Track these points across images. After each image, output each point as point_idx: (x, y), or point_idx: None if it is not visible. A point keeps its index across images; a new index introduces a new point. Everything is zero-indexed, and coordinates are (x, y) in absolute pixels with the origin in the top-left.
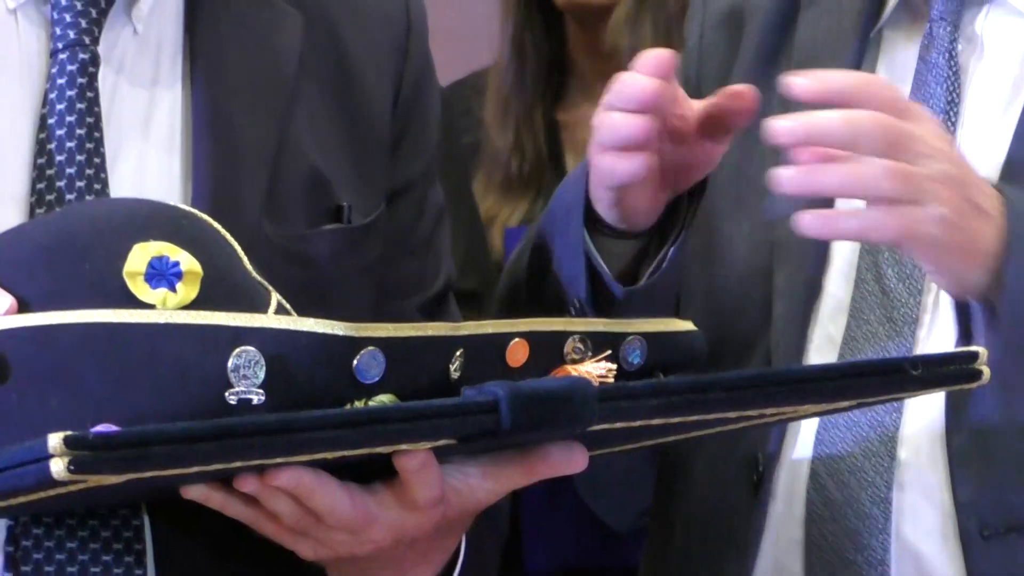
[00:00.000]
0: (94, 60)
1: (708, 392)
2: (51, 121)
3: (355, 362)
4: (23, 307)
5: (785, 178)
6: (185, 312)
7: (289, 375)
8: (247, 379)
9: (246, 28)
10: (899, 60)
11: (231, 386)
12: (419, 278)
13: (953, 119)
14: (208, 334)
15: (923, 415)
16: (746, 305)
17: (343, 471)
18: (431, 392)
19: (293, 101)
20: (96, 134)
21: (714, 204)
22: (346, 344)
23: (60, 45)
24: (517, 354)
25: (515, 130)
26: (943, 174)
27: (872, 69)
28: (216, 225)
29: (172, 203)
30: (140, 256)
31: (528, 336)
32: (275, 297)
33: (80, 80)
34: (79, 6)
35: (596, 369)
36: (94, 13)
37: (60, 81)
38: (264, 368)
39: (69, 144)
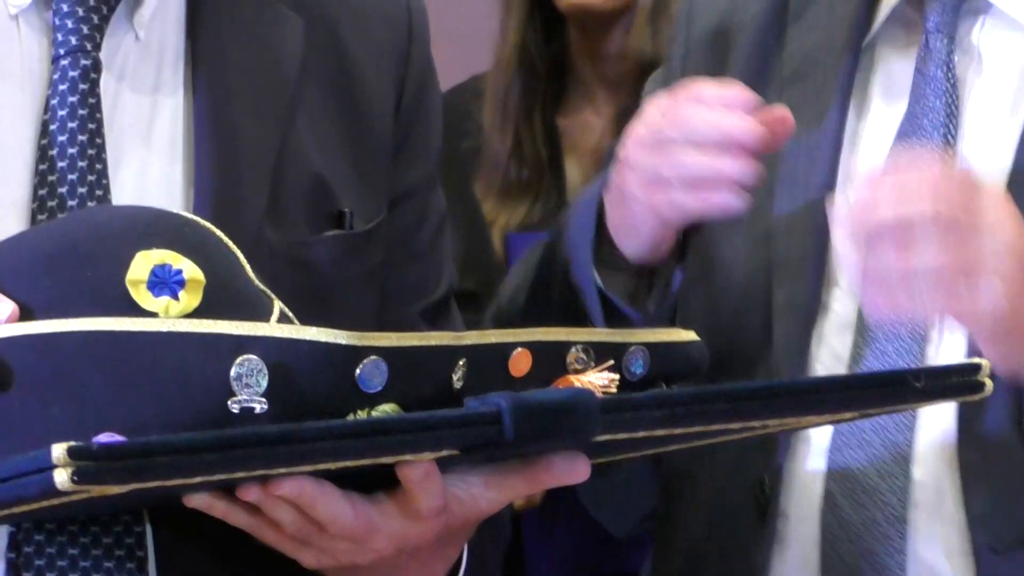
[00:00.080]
0: (96, 66)
1: (712, 403)
2: (53, 127)
3: (358, 371)
4: (26, 314)
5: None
6: (188, 320)
7: (292, 384)
8: (249, 388)
9: (248, 33)
10: (894, 73)
11: (233, 394)
12: (421, 284)
13: (953, 132)
14: (211, 342)
15: (935, 431)
16: (746, 326)
17: (345, 480)
18: (433, 401)
19: (295, 106)
20: (98, 140)
21: (709, 224)
22: (349, 353)
23: (62, 51)
24: (520, 364)
25: (514, 135)
26: (1006, 247)
27: (866, 82)
28: (219, 233)
29: (174, 210)
30: (143, 264)
31: (531, 346)
32: (277, 305)
33: (82, 86)
34: (81, 12)
35: (598, 379)
36: (96, 19)
37: (62, 87)
38: (267, 376)
39: (71, 150)
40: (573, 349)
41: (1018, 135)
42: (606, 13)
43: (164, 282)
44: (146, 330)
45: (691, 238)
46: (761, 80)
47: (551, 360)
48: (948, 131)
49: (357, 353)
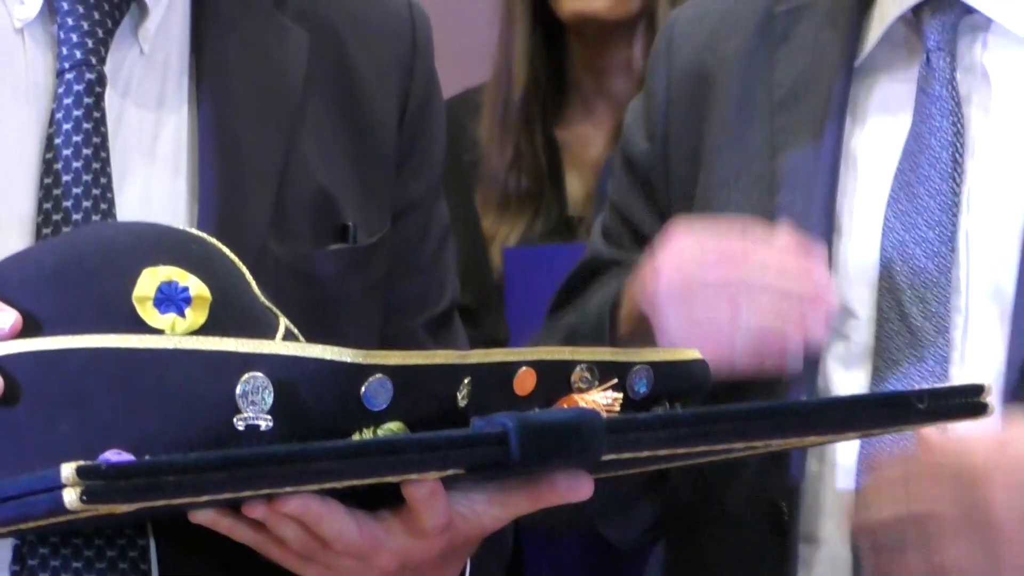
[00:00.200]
0: (100, 80)
1: (716, 424)
2: (58, 141)
3: (363, 389)
4: (35, 325)
5: None
6: (194, 338)
7: (297, 401)
8: (255, 405)
9: (252, 47)
10: (894, 93)
11: (239, 411)
12: (424, 296)
13: (960, 151)
14: (216, 360)
15: None
16: None
17: (350, 497)
18: (438, 420)
19: (299, 120)
20: (102, 154)
21: None
22: (354, 371)
23: (67, 65)
24: (524, 383)
25: (514, 147)
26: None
27: (863, 103)
28: (225, 250)
29: (178, 223)
30: (149, 281)
31: (535, 365)
32: (283, 322)
33: (87, 100)
34: (86, 26)
35: (602, 398)
36: (100, 33)
37: (67, 101)
38: (272, 394)
39: (75, 164)
40: (577, 368)
41: None
42: (609, 24)
43: (170, 299)
44: (152, 347)
45: None
46: (750, 106)
47: (555, 379)
48: (956, 149)
49: (362, 371)
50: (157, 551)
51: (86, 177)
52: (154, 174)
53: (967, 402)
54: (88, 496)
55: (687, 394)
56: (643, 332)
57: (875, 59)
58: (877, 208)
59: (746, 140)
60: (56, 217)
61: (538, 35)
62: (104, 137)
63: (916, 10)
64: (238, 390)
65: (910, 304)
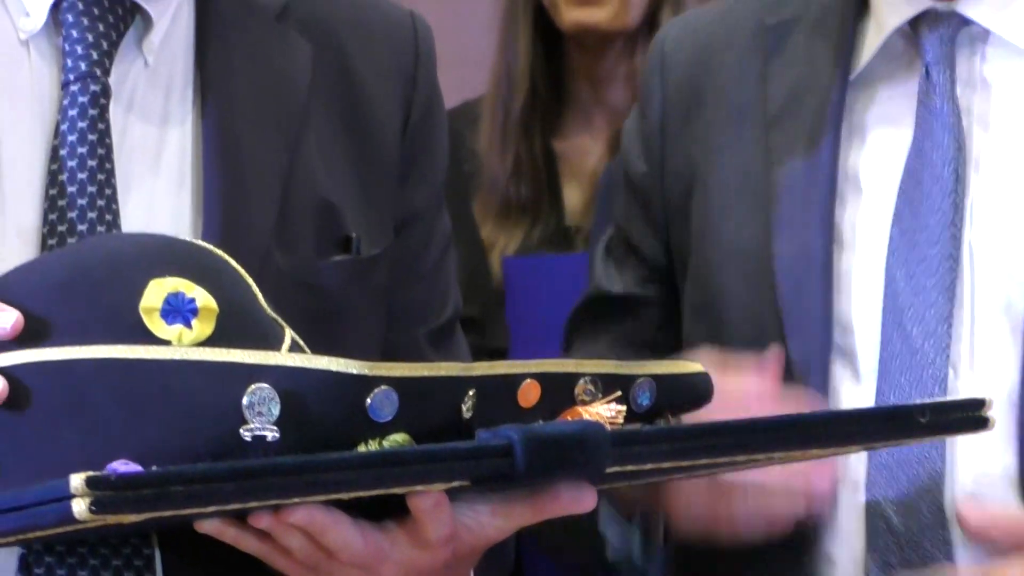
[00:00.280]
0: (105, 92)
1: (719, 437)
2: (62, 152)
3: (368, 401)
4: (43, 334)
5: None
6: (200, 349)
7: (303, 412)
8: (262, 416)
9: (256, 59)
10: (893, 107)
11: (246, 422)
12: (426, 307)
13: (962, 166)
14: (223, 371)
15: (974, 466)
16: None
17: (355, 507)
18: (443, 431)
19: (303, 131)
20: (107, 165)
21: (708, 270)
22: (360, 383)
23: (72, 76)
24: (529, 395)
25: (515, 155)
26: None
27: (862, 116)
28: (231, 261)
29: (183, 234)
30: (156, 292)
31: (540, 377)
32: (289, 333)
33: (91, 112)
34: (90, 38)
35: (606, 411)
36: (105, 45)
37: (71, 112)
38: (279, 405)
39: (80, 175)
40: (581, 381)
41: None
42: (609, 34)
43: (177, 310)
44: (159, 358)
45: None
46: (743, 121)
47: (559, 391)
48: (958, 164)
49: (368, 383)
50: (162, 560)
51: (91, 188)
52: (158, 185)
53: (968, 416)
54: (97, 506)
55: (690, 407)
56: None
57: (872, 72)
58: (882, 224)
59: (741, 155)
60: (61, 228)
61: (538, 45)
62: (109, 148)
63: (913, 22)
64: (244, 401)
65: (911, 324)
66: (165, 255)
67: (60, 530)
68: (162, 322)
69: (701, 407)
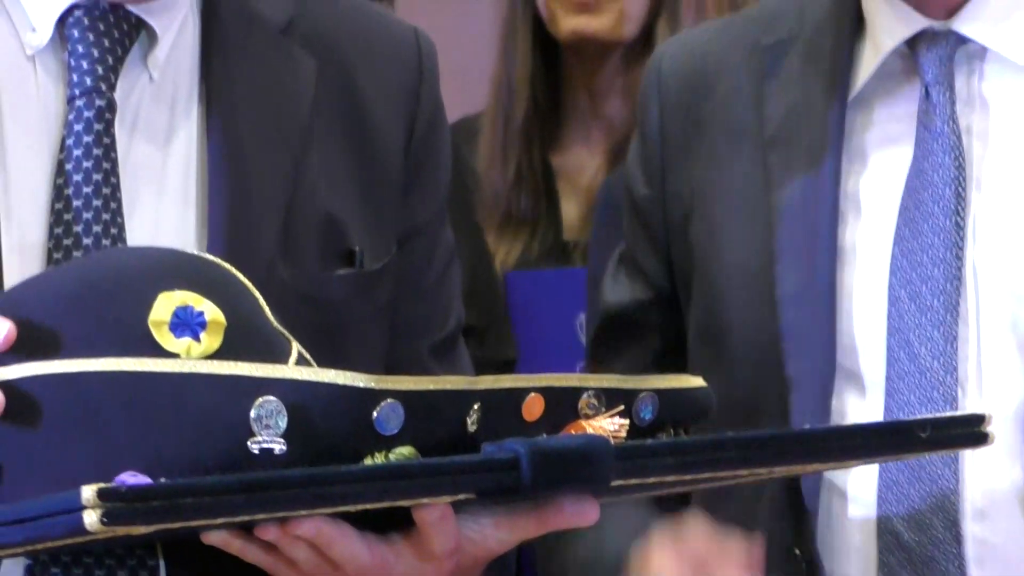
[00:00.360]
0: (110, 106)
1: (722, 451)
2: (68, 167)
3: (375, 414)
4: (53, 347)
5: None
6: (208, 362)
7: (310, 425)
8: (269, 428)
9: (261, 74)
10: (892, 128)
11: (253, 435)
12: (429, 320)
13: (963, 185)
14: (231, 384)
15: (986, 484)
16: (762, 396)
17: (361, 520)
18: (448, 444)
19: (307, 146)
20: (112, 179)
21: (713, 294)
22: (366, 396)
23: (77, 92)
24: (533, 408)
25: (516, 168)
26: None
27: (861, 136)
28: (239, 275)
29: (188, 247)
30: (165, 305)
31: (544, 391)
32: (295, 347)
33: (97, 126)
34: (96, 53)
35: (609, 424)
36: (110, 60)
37: (77, 127)
38: (286, 418)
39: (86, 189)
40: (585, 395)
41: None
42: (607, 44)
43: (186, 324)
44: (168, 371)
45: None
46: (740, 143)
47: (563, 405)
48: (959, 184)
49: (374, 396)
50: (167, 571)
51: (96, 202)
52: (163, 199)
53: (968, 432)
54: (108, 518)
55: (691, 420)
56: None
57: (870, 92)
58: (883, 243)
59: (740, 176)
60: (67, 242)
61: (538, 56)
62: (114, 163)
63: (910, 42)
64: (252, 414)
65: (919, 344)
66: (174, 268)
67: (69, 541)
68: (171, 335)
69: (702, 421)
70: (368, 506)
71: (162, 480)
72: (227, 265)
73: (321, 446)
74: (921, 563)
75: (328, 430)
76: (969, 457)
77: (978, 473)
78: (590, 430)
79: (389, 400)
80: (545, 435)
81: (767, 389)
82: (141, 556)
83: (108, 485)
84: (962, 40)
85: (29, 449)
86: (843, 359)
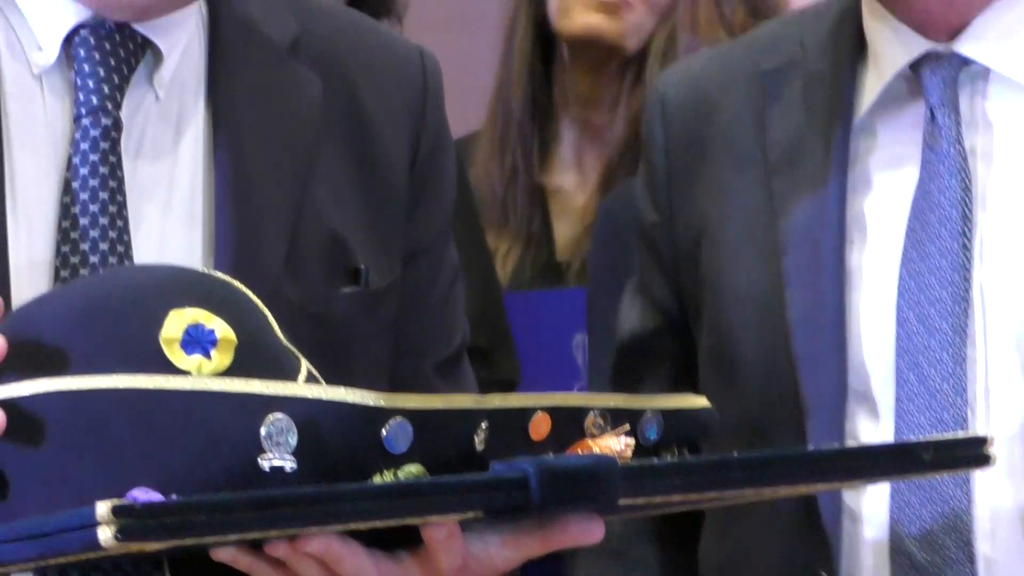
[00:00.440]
0: (116, 125)
1: (728, 471)
2: (75, 185)
3: (384, 432)
4: (64, 364)
5: None
6: (219, 379)
7: (320, 443)
8: (279, 446)
9: (267, 93)
10: (898, 151)
11: (264, 452)
12: (434, 338)
13: (969, 206)
14: (242, 401)
15: (997, 506)
16: (777, 420)
17: (368, 537)
18: (456, 462)
19: (312, 165)
20: (119, 197)
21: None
22: (375, 414)
23: (83, 111)
24: (540, 427)
25: (511, 163)
26: None
27: (866, 159)
28: (249, 293)
29: (194, 264)
30: (176, 323)
31: (551, 410)
32: (305, 364)
33: (103, 145)
34: (102, 72)
35: (615, 444)
36: (116, 79)
37: (83, 146)
38: (296, 435)
39: (92, 207)
40: (591, 414)
41: None
42: (612, 51)
43: (197, 341)
44: (179, 388)
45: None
46: (745, 169)
47: (570, 424)
48: (965, 205)
49: (383, 414)
50: None
51: (103, 220)
52: (169, 217)
53: (970, 453)
54: (123, 534)
55: (695, 440)
56: None
57: (874, 116)
58: (890, 265)
59: (745, 202)
60: (74, 260)
61: (537, 53)
62: (120, 181)
63: (913, 64)
64: (263, 431)
65: (928, 365)
66: (184, 286)
67: (82, 557)
68: (182, 352)
69: (706, 440)
70: (378, 524)
71: (174, 497)
72: (237, 283)
73: (330, 463)
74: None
75: (337, 447)
76: (979, 477)
77: (988, 493)
78: (596, 449)
79: (398, 418)
80: (552, 454)
81: (780, 413)
82: (148, 572)
83: (122, 502)
84: (965, 62)
85: (38, 465)
86: (854, 381)
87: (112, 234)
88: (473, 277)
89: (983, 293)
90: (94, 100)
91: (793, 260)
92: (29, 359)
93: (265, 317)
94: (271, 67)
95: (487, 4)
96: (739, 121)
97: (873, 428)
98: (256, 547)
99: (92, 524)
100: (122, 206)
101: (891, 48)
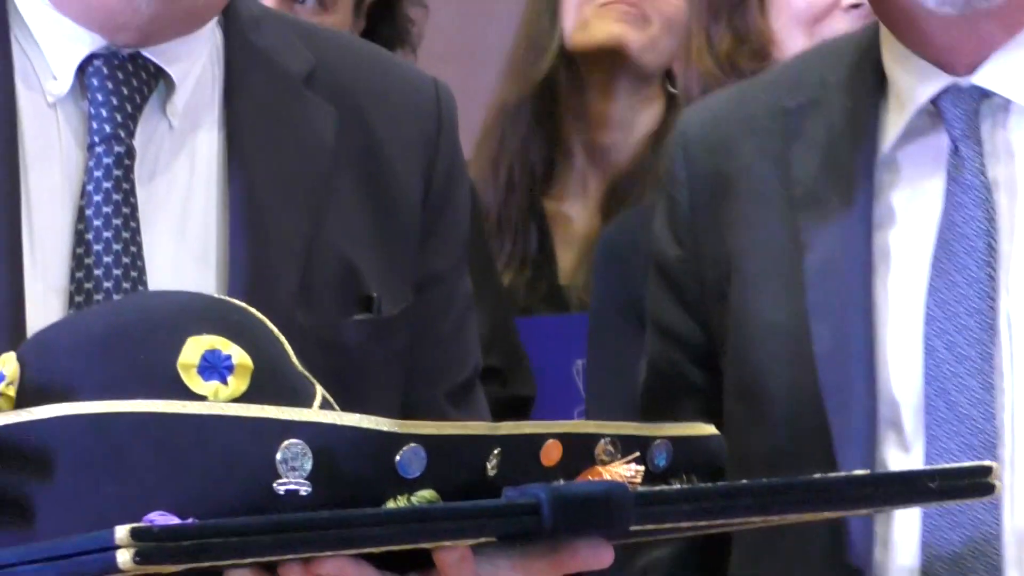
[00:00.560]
0: (129, 153)
1: (738, 499)
2: (88, 212)
3: (397, 457)
4: (81, 389)
5: None
6: (236, 404)
7: (335, 468)
8: (295, 471)
9: (282, 123)
10: (922, 184)
11: (279, 476)
12: (446, 366)
13: (994, 236)
14: (258, 426)
15: None
16: (806, 454)
17: (380, 559)
18: (469, 488)
19: (326, 195)
20: (132, 224)
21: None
22: (389, 440)
23: (97, 139)
24: (551, 454)
25: (507, 171)
26: None
27: (889, 193)
28: (266, 320)
29: (207, 290)
30: (194, 349)
31: (562, 437)
32: (319, 391)
33: (116, 172)
34: (115, 101)
35: (625, 471)
36: (129, 108)
37: (97, 173)
38: (311, 460)
39: (105, 234)
40: (602, 441)
41: None
42: (628, 66)
43: (214, 367)
44: (196, 413)
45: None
46: (769, 206)
47: (581, 451)
48: (991, 236)
49: (397, 440)
50: None
51: (116, 246)
52: (183, 245)
53: (976, 482)
54: (141, 557)
55: (703, 467)
56: None
57: (897, 150)
58: (916, 296)
59: (770, 238)
60: (88, 285)
61: (547, 71)
62: (133, 208)
63: (934, 99)
64: (278, 456)
65: (956, 393)
66: (203, 313)
67: None
68: (199, 378)
69: (715, 468)
70: (393, 547)
71: (192, 520)
72: (253, 310)
73: (344, 488)
74: None
75: (352, 472)
76: (1008, 502)
77: (1017, 518)
78: (607, 476)
79: (412, 444)
80: (562, 480)
81: (810, 444)
82: None
83: (141, 525)
84: (986, 94)
85: (57, 491)
86: (883, 411)
87: (125, 260)
88: (483, 298)
89: (1010, 321)
90: (107, 128)
91: (819, 293)
92: (46, 383)
93: (281, 344)
94: (286, 98)
95: (492, 35)
96: (762, 157)
97: (903, 457)
98: (271, 569)
99: (111, 547)
100: (135, 232)
101: (912, 84)
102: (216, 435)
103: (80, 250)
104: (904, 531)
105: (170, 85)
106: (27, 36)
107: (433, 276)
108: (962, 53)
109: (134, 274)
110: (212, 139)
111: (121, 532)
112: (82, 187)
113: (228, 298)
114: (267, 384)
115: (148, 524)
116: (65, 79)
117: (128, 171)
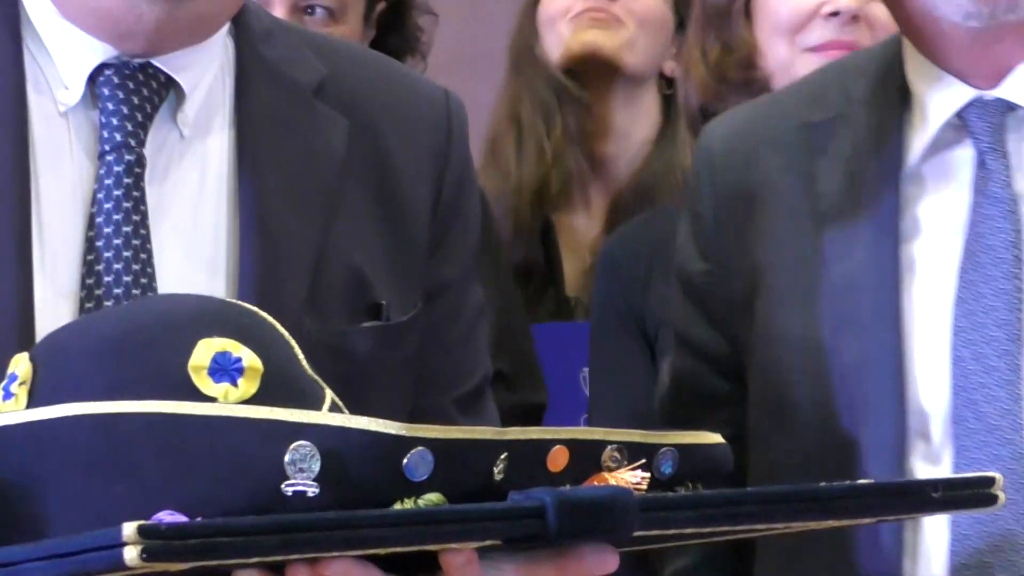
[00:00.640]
0: (140, 161)
1: (742, 506)
2: (99, 220)
3: (405, 460)
4: (93, 389)
5: None
6: (245, 406)
7: (342, 470)
8: (303, 472)
9: (292, 134)
10: (947, 197)
11: (287, 478)
12: (455, 374)
13: (1021, 248)
14: (267, 428)
15: None
16: (833, 468)
17: (386, 561)
18: (475, 492)
19: (336, 204)
20: (142, 231)
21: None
22: (397, 443)
23: (107, 147)
24: (557, 460)
25: (515, 224)
26: None
27: (915, 206)
28: (276, 324)
29: (230, 299)
30: (205, 351)
31: (569, 443)
32: (329, 394)
33: (126, 180)
34: (125, 110)
35: (631, 477)
36: (140, 117)
37: (107, 181)
38: (319, 462)
39: (116, 241)
40: (608, 448)
41: None
42: (613, 68)
43: (224, 369)
44: (205, 414)
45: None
46: (794, 220)
47: (587, 457)
48: (1018, 249)
49: (405, 443)
50: None
51: (126, 253)
52: (193, 253)
53: (979, 492)
54: (148, 554)
55: (709, 476)
56: None
57: (924, 164)
58: (943, 307)
59: (795, 254)
60: (98, 292)
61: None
62: (144, 215)
63: (960, 112)
64: (287, 458)
65: (985, 403)
66: (214, 316)
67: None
68: (209, 380)
69: (720, 476)
70: (399, 549)
71: (200, 519)
72: (263, 313)
73: (352, 490)
74: None
75: (359, 475)
76: None
77: None
78: (613, 482)
79: (419, 448)
80: (569, 486)
81: (838, 456)
82: None
83: (148, 522)
84: (1010, 107)
85: (66, 490)
86: (912, 422)
87: (135, 267)
88: (493, 302)
89: None
90: (118, 137)
91: (846, 306)
92: (58, 384)
93: (291, 347)
94: (297, 108)
95: (496, 42)
96: (787, 172)
97: (932, 468)
98: (277, 569)
99: (118, 544)
100: (145, 239)
101: (937, 97)
102: (225, 436)
103: (91, 257)
104: (933, 540)
105: (181, 95)
106: (39, 45)
107: (443, 284)
108: (986, 66)
109: (144, 281)
110: (222, 148)
111: (129, 529)
112: (93, 195)
113: (239, 302)
114: (277, 387)
115: (156, 522)
116: (76, 88)
117: (139, 179)
